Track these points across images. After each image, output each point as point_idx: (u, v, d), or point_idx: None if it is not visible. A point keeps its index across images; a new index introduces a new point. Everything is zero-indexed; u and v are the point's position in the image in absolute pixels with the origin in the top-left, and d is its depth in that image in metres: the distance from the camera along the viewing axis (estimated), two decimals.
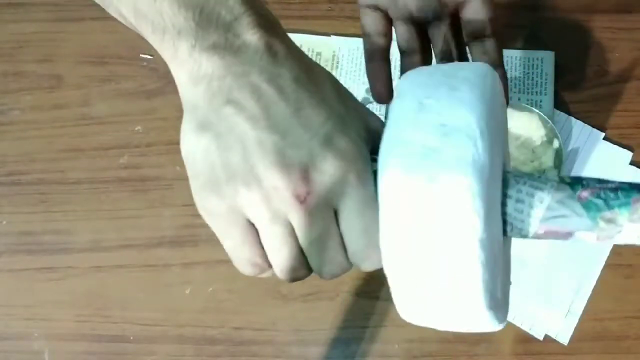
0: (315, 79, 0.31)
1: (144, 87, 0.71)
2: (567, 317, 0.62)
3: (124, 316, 0.64)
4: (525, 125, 0.64)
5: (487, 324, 0.30)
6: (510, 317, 0.62)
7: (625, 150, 0.66)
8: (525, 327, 0.62)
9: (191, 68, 0.31)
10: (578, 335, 0.61)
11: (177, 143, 0.74)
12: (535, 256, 0.63)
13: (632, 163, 0.66)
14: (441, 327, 0.32)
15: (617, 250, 0.63)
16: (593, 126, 0.67)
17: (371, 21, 0.49)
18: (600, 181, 0.30)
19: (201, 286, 0.65)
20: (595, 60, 0.70)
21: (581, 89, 0.69)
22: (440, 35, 0.49)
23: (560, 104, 0.68)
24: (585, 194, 0.30)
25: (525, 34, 0.71)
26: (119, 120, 0.70)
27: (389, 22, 0.50)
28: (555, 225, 0.30)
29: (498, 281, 0.30)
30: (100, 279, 0.65)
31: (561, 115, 0.67)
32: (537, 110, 0.63)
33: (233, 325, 0.63)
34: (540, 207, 0.30)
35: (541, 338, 0.61)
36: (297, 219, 0.30)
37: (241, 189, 0.30)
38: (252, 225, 0.31)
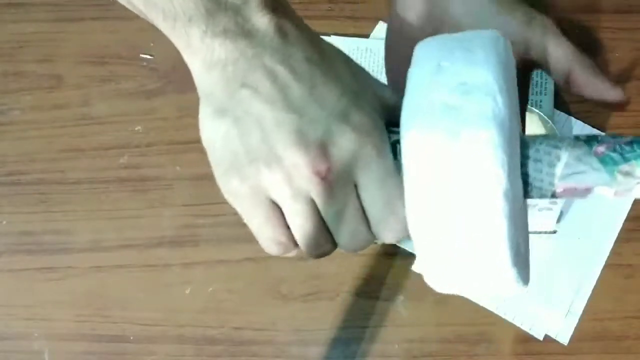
0: (327, 57, 0.32)
1: (144, 87, 0.71)
2: (567, 317, 0.62)
3: (124, 316, 0.64)
4: (526, 125, 0.64)
5: (512, 282, 0.31)
6: (510, 317, 0.62)
7: None
8: (525, 327, 0.62)
9: (204, 55, 0.31)
10: (578, 335, 0.61)
11: (177, 143, 0.75)
12: (536, 256, 0.63)
13: None
14: (467, 290, 0.32)
15: (617, 250, 0.63)
16: (593, 126, 0.67)
17: None
18: (615, 136, 0.31)
19: (201, 286, 0.65)
20: (595, 60, 0.69)
21: None
22: None
23: (560, 104, 0.68)
24: (601, 148, 0.30)
25: None
26: (119, 120, 0.70)
27: None
28: (574, 182, 0.30)
29: (521, 239, 0.31)
30: (100, 279, 0.65)
31: (561, 115, 0.67)
32: (537, 110, 0.63)
33: (233, 325, 0.63)
34: (559, 165, 0.30)
35: (541, 338, 0.61)
36: (318, 194, 0.30)
37: (263, 170, 0.30)
38: (276, 205, 0.31)
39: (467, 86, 0.29)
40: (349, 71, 0.32)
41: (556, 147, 0.31)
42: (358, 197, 0.31)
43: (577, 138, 0.31)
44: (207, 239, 0.66)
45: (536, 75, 0.69)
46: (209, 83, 0.31)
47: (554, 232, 0.63)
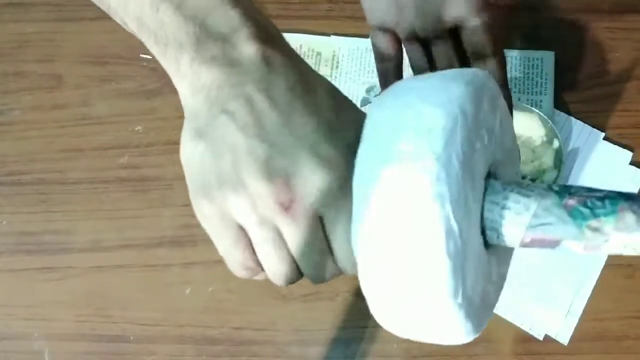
0: (311, 87, 0.32)
1: (144, 87, 0.71)
2: (567, 317, 0.62)
3: (124, 316, 0.64)
4: (525, 125, 0.64)
5: (458, 328, 0.29)
6: (510, 317, 0.62)
7: (625, 150, 0.66)
8: (525, 327, 0.62)
9: (191, 79, 0.32)
10: (578, 335, 0.61)
11: (177, 143, 0.74)
12: (535, 256, 0.63)
13: (632, 163, 0.66)
14: (412, 334, 0.31)
15: None
16: (593, 126, 0.67)
17: (380, 42, 0.50)
18: (588, 189, 0.30)
19: (201, 286, 0.65)
20: (595, 60, 0.70)
21: (581, 89, 0.69)
22: (441, 53, 0.49)
23: (560, 104, 0.68)
24: (571, 201, 0.29)
25: (525, 34, 0.71)
26: (119, 120, 0.70)
27: (398, 42, 0.50)
28: (541, 233, 0.29)
29: (479, 288, 0.30)
30: (100, 279, 0.65)
31: (561, 115, 0.67)
32: (537, 110, 0.63)
33: (233, 325, 0.63)
34: (526, 215, 0.29)
35: (541, 338, 0.61)
36: (283, 225, 0.31)
37: (230, 195, 0.31)
38: (244, 230, 0.32)
39: (418, 130, 0.28)
40: (331, 103, 0.32)
41: (526, 195, 0.30)
42: (324, 230, 0.31)
43: (549, 187, 0.30)
44: (207, 239, 0.65)
45: (536, 75, 0.69)
46: (194, 105, 0.32)
47: None
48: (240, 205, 0.31)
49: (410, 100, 0.29)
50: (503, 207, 0.30)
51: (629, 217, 0.28)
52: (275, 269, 0.33)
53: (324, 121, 0.31)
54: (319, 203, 0.30)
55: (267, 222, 0.31)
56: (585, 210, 0.29)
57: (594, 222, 0.29)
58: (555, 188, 0.30)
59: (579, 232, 0.29)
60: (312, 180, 0.30)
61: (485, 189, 0.30)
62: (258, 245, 0.32)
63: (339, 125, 0.31)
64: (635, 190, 0.65)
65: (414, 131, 0.28)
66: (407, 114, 0.29)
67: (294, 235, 0.31)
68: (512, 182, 0.31)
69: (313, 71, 0.33)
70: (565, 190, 0.29)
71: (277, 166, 0.30)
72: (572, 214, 0.29)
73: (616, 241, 0.30)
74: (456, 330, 0.30)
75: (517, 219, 0.30)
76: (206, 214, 0.33)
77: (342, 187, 0.30)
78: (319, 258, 0.32)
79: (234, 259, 0.33)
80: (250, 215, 0.31)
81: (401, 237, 0.28)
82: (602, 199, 0.29)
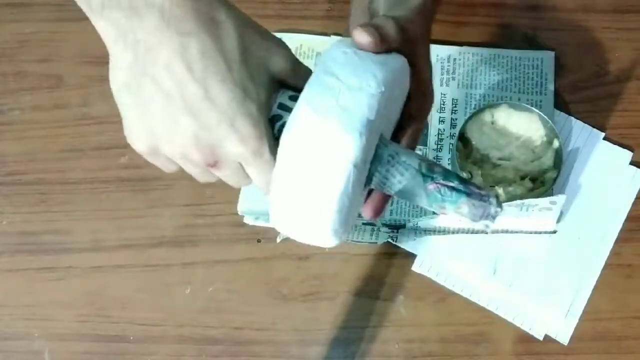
0: (221, 41, 0.36)
1: None
2: (567, 317, 0.62)
3: (124, 316, 0.64)
4: (525, 125, 0.64)
5: (328, 239, 0.40)
6: (510, 317, 0.62)
7: (625, 150, 0.66)
8: (525, 327, 0.62)
9: (104, 26, 0.37)
10: (578, 335, 0.61)
11: None
12: (535, 256, 0.63)
13: (632, 163, 0.66)
14: (296, 234, 0.40)
15: (617, 250, 0.63)
16: (593, 126, 0.67)
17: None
18: (445, 176, 0.40)
19: (201, 286, 0.65)
20: (595, 60, 0.70)
21: (581, 89, 0.69)
22: None
23: (560, 104, 0.68)
24: (431, 186, 0.40)
25: (525, 34, 0.71)
26: (119, 120, 0.69)
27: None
28: (404, 198, 0.42)
29: (349, 207, 0.39)
30: (100, 279, 0.65)
31: (561, 115, 0.67)
32: (537, 110, 0.63)
33: (233, 325, 0.63)
34: (397, 186, 0.41)
35: (541, 338, 0.61)
36: (213, 173, 0.39)
37: (165, 147, 0.38)
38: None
39: (349, 89, 0.37)
40: (241, 52, 0.36)
41: (401, 173, 0.41)
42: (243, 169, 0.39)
43: (420, 169, 0.40)
44: (207, 239, 0.66)
45: (536, 75, 0.69)
46: (114, 54, 0.38)
47: (554, 232, 0.63)
48: (173, 155, 0.38)
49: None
50: (384, 176, 0.41)
51: (464, 208, 0.40)
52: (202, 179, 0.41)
53: (239, 85, 0.36)
54: (239, 162, 0.39)
55: (198, 167, 0.39)
56: (438, 195, 0.40)
57: (441, 204, 0.41)
58: (424, 170, 0.40)
59: (429, 205, 0.41)
60: (233, 151, 0.37)
61: (375, 154, 0.40)
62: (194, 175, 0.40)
63: (251, 82, 0.37)
64: (636, 191, 0.65)
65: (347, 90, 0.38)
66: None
67: (220, 175, 0.40)
68: (398, 153, 0.41)
69: (217, 9, 0.36)
70: (429, 176, 0.40)
71: (203, 142, 0.36)
72: (429, 195, 0.40)
73: (453, 215, 0.41)
74: (325, 240, 0.40)
75: (389, 189, 0.41)
76: (141, 150, 0.39)
77: (255, 154, 0.37)
78: (244, 182, 0.41)
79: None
80: (184, 164, 0.39)
81: (312, 171, 0.37)
82: (452, 188, 0.40)
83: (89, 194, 0.68)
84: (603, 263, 0.63)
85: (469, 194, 0.40)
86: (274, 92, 0.39)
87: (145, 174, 0.68)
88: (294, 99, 0.39)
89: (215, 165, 0.38)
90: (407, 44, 0.43)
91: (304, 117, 0.37)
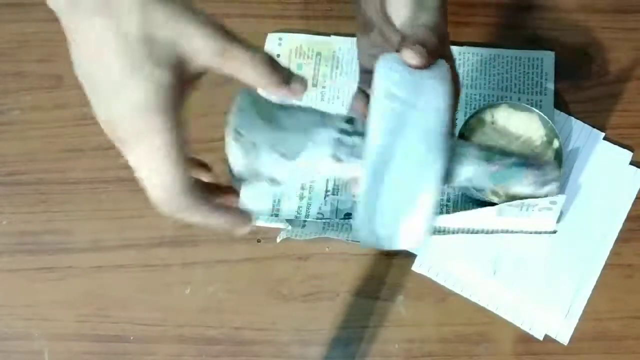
0: (119, 21, 0.36)
1: None
2: (567, 317, 0.62)
3: (124, 316, 0.64)
4: (525, 125, 0.64)
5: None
6: (510, 317, 0.62)
7: (625, 150, 0.66)
8: (525, 327, 0.62)
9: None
10: (578, 335, 0.61)
11: None
12: (535, 256, 0.63)
13: (632, 163, 0.66)
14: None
15: (617, 250, 0.63)
16: (593, 126, 0.67)
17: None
18: (503, 154, 0.43)
19: (201, 286, 0.65)
20: (595, 60, 0.70)
21: (581, 89, 0.69)
22: None
23: (560, 104, 0.68)
24: (494, 168, 0.42)
25: (525, 34, 0.71)
26: None
27: None
28: (464, 188, 0.48)
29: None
30: (100, 279, 0.65)
31: (561, 115, 0.67)
32: (537, 110, 0.63)
33: (233, 325, 0.63)
34: (463, 176, 0.43)
35: (541, 338, 0.61)
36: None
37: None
38: None
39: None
40: (141, 28, 0.37)
41: (462, 161, 0.42)
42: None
43: (479, 155, 0.43)
44: (207, 239, 0.66)
45: (536, 75, 0.69)
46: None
47: (554, 232, 0.63)
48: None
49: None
50: (449, 173, 0.42)
51: (527, 180, 0.42)
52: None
53: (128, 60, 0.37)
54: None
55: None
56: (502, 176, 0.42)
57: (505, 183, 0.43)
58: (484, 155, 0.43)
59: (494, 185, 0.45)
60: (125, 128, 0.40)
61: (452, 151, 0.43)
62: None
63: (148, 60, 0.37)
64: (636, 191, 0.65)
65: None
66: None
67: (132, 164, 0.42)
68: (468, 149, 0.43)
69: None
70: (490, 158, 0.43)
71: (114, 135, 0.41)
72: (493, 176, 0.42)
73: (517, 190, 0.44)
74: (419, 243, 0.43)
75: (453, 181, 0.43)
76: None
77: (144, 130, 0.39)
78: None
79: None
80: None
81: (403, 192, 0.40)
82: (511, 165, 0.42)
83: (89, 194, 0.68)
84: (603, 263, 0.63)
85: (528, 165, 0.43)
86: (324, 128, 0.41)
87: None
88: (347, 132, 0.41)
89: (121, 147, 0.41)
90: (441, 47, 0.45)
91: (383, 146, 0.39)
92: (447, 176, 0.42)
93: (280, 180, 0.42)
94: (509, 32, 0.71)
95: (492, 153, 0.43)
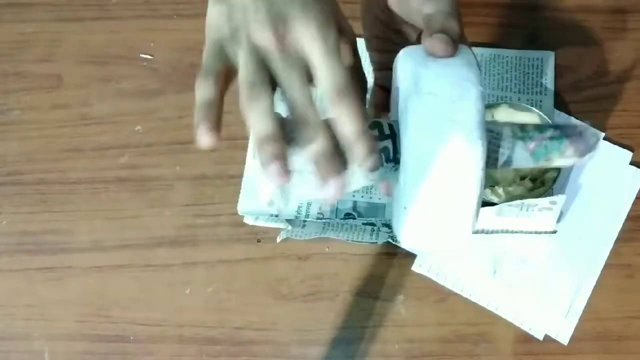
0: None
1: (144, 87, 0.71)
2: (567, 317, 0.62)
3: (124, 316, 0.64)
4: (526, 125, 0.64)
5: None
6: (510, 317, 0.62)
7: (625, 150, 0.66)
8: (525, 327, 0.62)
9: None
10: (578, 335, 0.61)
11: (178, 143, 0.75)
12: (535, 256, 0.63)
13: (632, 163, 0.66)
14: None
15: (617, 250, 0.63)
16: (593, 126, 0.67)
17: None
18: (540, 130, 0.42)
19: (201, 286, 0.65)
20: (595, 60, 0.70)
21: (581, 89, 0.69)
22: None
23: (560, 104, 0.68)
24: (532, 146, 0.42)
25: (525, 34, 0.71)
26: (119, 120, 0.70)
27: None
28: (506, 168, 0.44)
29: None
30: (100, 279, 0.65)
31: (561, 115, 0.67)
32: (537, 110, 0.63)
33: (233, 325, 0.63)
34: (502, 158, 0.42)
35: (541, 338, 0.61)
36: (274, 57, 0.39)
37: (242, 35, 0.39)
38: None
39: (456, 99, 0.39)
40: None
41: (499, 143, 0.42)
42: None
43: (514, 135, 0.42)
44: (207, 239, 0.66)
45: (536, 75, 0.69)
46: None
47: (554, 232, 0.63)
48: (242, 41, 0.39)
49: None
50: (487, 156, 0.41)
51: (569, 151, 0.42)
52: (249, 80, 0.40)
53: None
54: (302, 47, 0.39)
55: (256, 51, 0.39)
56: (542, 151, 0.42)
57: (547, 157, 0.42)
58: (519, 134, 0.42)
59: (536, 163, 0.42)
60: (301, 31, 0.38)
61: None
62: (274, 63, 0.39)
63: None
64: (636, 191, 0.65)
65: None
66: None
67: (281, 66, 0.39)
68: (500, 128, 0.43)
69: None
70: (526, 136, 0.42)
71: (274, 17, 0.38)
72: (533, 153, 0.42)
73: (559, 163, 0.43)
74: (463, 241, 0.43)
75: (492, 165, 0.42)
76: (213, 37, 0.40)
77: (325, 38, 0.38)
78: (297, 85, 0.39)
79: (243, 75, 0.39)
80: (248, 54, 0.39)
81: (446, 187, 0.39)
82: (551, 138, 0.42)
83: (89, 194, 0.68)
84: (603, 263, 0.63)
85: (567, 136, 0.42)
86: None
87: (145, 174, 0.68)
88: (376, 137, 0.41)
89: (283, 41, 0.38)
90: (462, 31, 0.45)
91: (423, 144, 0.39)
92: (487, 162, 0.42)
93: (313, 196, 0.41)
94: (509, 32, 0.71)
95: (526, 131, 0.42)
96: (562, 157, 0.42)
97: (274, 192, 0.41)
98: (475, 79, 0.41)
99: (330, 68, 0.38)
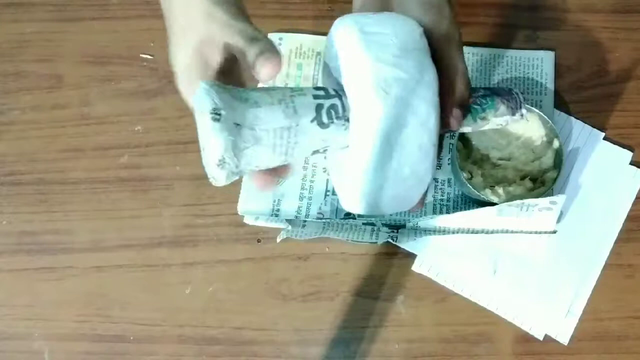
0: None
1: (144, 87, 0.71)
2: (567, 317, 0.62)
3: (124, 316, 0.64)
4: (525, 125, 0.64)
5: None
6: (510, 317, 0.62)
7: (625, 150, 0.66)
8: (525, 327, 0.62)
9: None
10: (578, 335, 0.61)
11: (177, 143, 0.75)
12: (535, 256, 0.63)
13: (632, 163, 0.66)
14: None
15: (617, 250, 0.63)
16: (593, 126, 0.67)
17: None
18: (473, 90, 0.45)
19: (201, 286, 0.65)
20: (595, 60, 0.70)
21: (581, 89, 0.69)
22: None
23: (560, 104, 0.68)
24: (470, 100, 0.44)
25: (525, 34, 0.71)
26: (119, 120, 0.70)
27: None
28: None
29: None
30: (100, 279, 0.65)
31: (561, 115, 0.67)
32: (537, 110, 0.63)
33: (233, 325, 0.63)
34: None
35: (541, 338, 0.61)
36: None
37: None
38: None
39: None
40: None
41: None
42: None
43: None
44: (207, 239, 0.66)
45: (536, 76, 0.69)
46: None
47: (554, 232, 0.63)
48: None
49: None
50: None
51: (502, 107, 0.45)
52: None
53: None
54: None
55: None
56: (478, 108, 0.45)
57: (483, 114, 0.45)
58: None
59: (474, 121, 0.45)
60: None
61: None
62: None
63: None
64: (636, 191, 0.65)
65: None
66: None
67: None
68: None
69: None
70: None
71: None
72: (471, 111, 0.45)
73: (493, 123, 0.46)
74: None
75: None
76: None
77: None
78: None
79: None
80: None
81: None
82: (484, 96, 0.45)
83: (89, 194, 0.68)
84: (603, 263, 0.63)
85: (498, 94, 0.46)
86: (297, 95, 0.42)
87: (145, 174, 0.68)
88: (323, 97, 0.42)
89: None
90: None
91: (372, 99, 0.40)
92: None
93: (265, 162, 0.41)
94: (509, 32, 0.71)
95: None
96: (495, 115, 0.46)
97: (224, 147, 0.39)
98: (409, 19, 0.43)
99: None
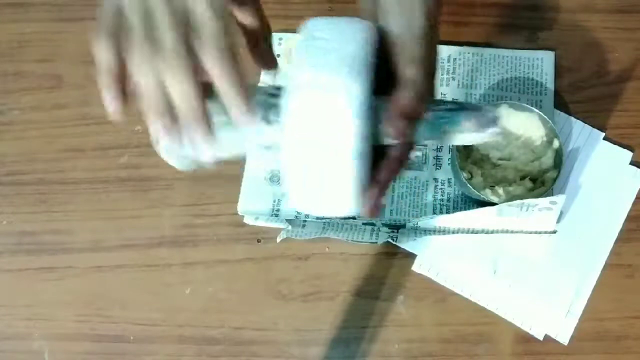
0: None
1: None
2: (567, 317, 0.62)
3: (124, 316, 0.64)
4: (525, 125, 0.64)
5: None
6: (510, 317, 0.62)
7: (625, 150, 0.66)
8: (525, 327, 0.62)
9: None
10: (578, 335, 0.61)
11: None
12: (535, 256, 0.63)
13: (632, 163, 0.66)
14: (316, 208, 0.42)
15: (617, 250, 0.63)
16: (593, 126, 0.67)
17: None
18: (436, 103, 0.43)
19: (201, 286, 0.65)
20: (595, 60, 0.70)
21: (581, 89, 0.69)
22: None
23: (560, 104, 0.68)
24: (429, 115, 0.42)
25: (525, 34, 0.71)
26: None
27: None
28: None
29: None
30: (100, 279, 0.65)
31: (561, 115, 0.67)
32: (537, 110, 0.63)
33: (233, 325, 0.63)
34: None
35: (541, 338, 0.61)
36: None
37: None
38: None
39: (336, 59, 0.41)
40: None
41: None
42: None
43: None
44: (207, 239, 0.66)
45: (536, 76, 0.69)
46: None
47: (554, 232, 0.63)
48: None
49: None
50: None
51: (467, 124, 0.42)
52: None
53: None
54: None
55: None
56: (441, 121, 0.42)
57: (444, 128, 0.42)
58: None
59: (433, 135, 0.43)
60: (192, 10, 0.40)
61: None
62: None
63: None
64: (636, 191, 0.65)
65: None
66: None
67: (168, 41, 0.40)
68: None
69: None
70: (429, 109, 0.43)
71: None
72: (430, 124, 0.42)
73: (459, 138, 0.43)
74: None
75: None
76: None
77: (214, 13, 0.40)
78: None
79: None
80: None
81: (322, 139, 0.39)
82: (447, 110, 0.42)
83: (89, 194, 0.68)
84: (603, 263, 0.63)
85: (464, 108, 0.43)
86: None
87: (145, 174, 0.68)
88: (275, 95, 0.42)
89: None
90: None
91: (302, 94, 0.40)
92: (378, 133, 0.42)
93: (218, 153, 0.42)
94: (509, 32, 0.71)
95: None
96: (461, 131, 0.42)
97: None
98: (367, 29, 0.43)
99: (211, 27, 0.39)
